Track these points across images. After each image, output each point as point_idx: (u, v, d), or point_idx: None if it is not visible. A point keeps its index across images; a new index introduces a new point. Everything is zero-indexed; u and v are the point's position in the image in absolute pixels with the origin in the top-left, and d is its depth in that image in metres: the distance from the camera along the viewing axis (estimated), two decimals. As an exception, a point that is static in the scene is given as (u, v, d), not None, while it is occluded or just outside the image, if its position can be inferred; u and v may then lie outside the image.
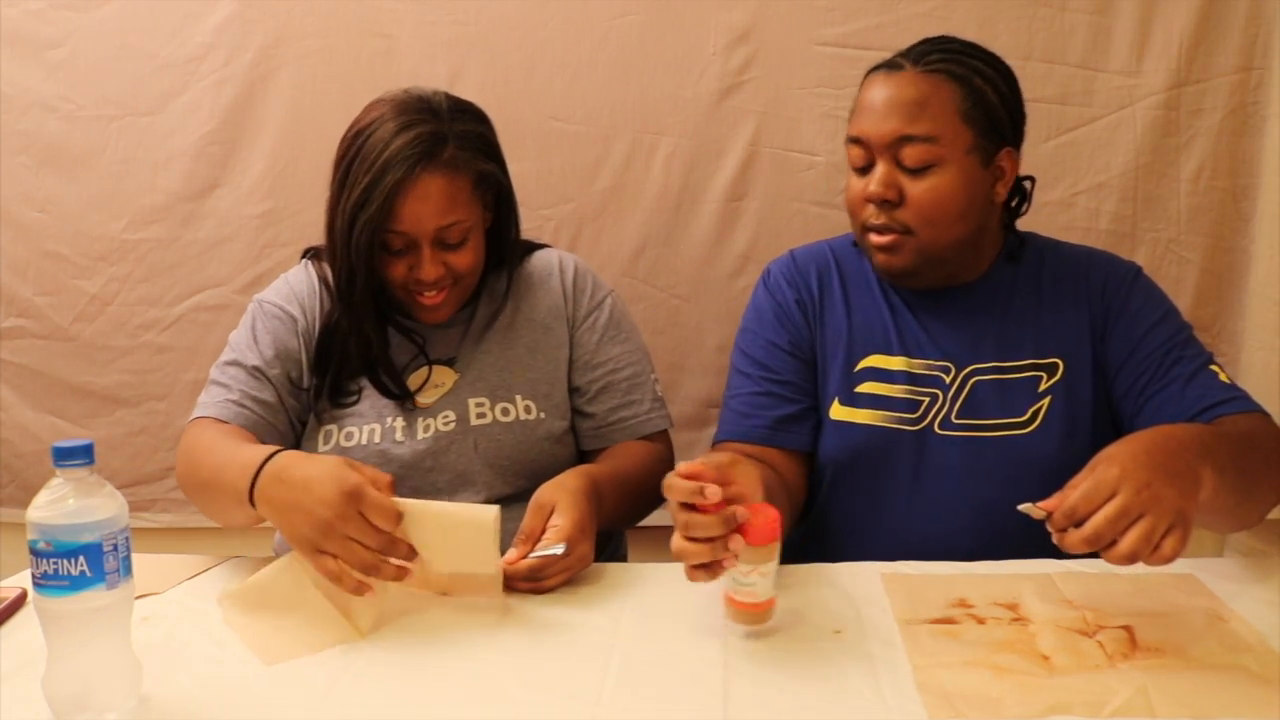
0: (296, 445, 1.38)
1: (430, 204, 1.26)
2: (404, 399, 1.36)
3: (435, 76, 1.86)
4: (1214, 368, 1.26)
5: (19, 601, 1.11)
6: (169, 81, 1.90)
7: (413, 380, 1.38)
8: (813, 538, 1.38)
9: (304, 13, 1.87)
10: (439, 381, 1.38)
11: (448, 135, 1.28)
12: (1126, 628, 1.00)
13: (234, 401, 1.31)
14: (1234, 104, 1.80)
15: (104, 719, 0.88)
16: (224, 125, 1.90)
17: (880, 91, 1.26)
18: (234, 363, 1.35)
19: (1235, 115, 1.81)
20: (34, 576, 0.85)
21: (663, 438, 1.46)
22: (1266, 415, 1.22)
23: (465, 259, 1.33)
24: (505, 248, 1.43)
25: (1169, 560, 0.92)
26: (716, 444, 1.40)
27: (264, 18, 1.87)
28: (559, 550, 1.11)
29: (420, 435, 1.35)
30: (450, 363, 1.40)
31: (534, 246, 1.51)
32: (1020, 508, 0.98)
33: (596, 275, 1.49)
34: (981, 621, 1.03)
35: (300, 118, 1.88)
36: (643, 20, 1.84)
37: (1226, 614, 1.03)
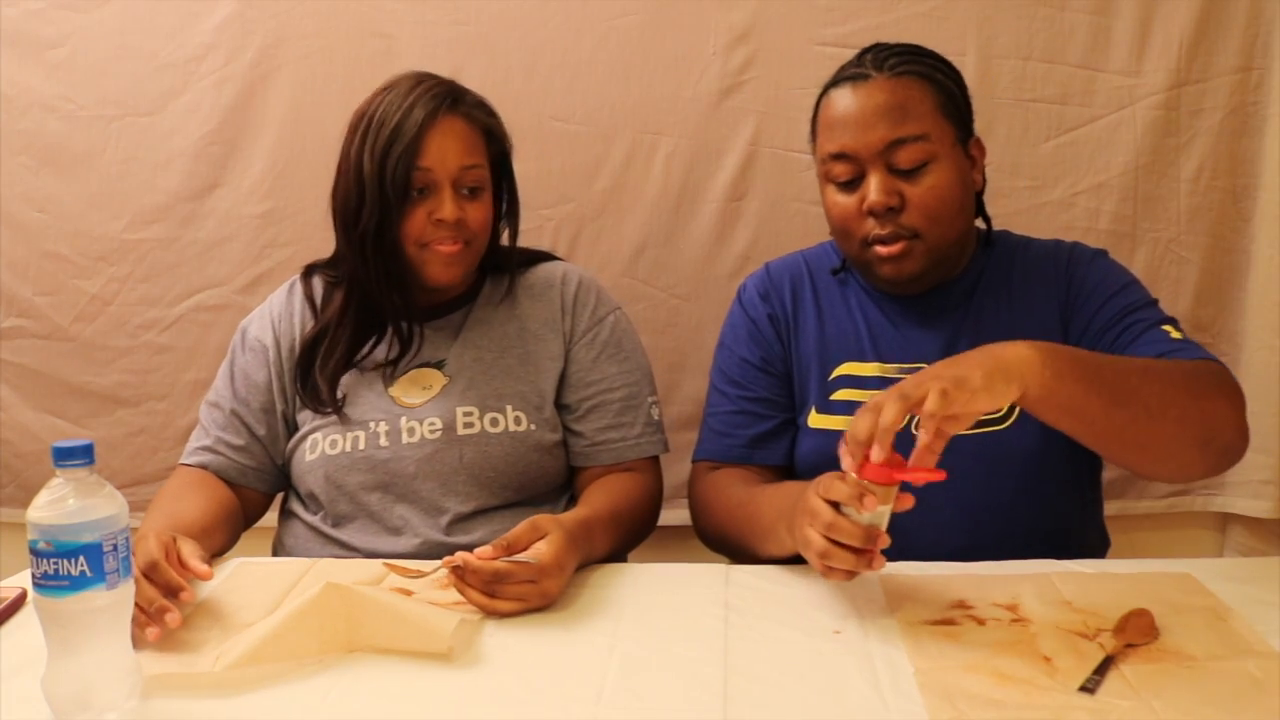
0: (276, 472, 1.43)
1: (454, 140, 1.33)
2: (405, 340, 1.39)
3: (435, 76, 1.86)
4: (1167, 327, 1.24)
5: (19, 601, 1.11)
6: (169, 81, 1.90)
7: (401, 381, 1.38)
8: None
9: (304, 13, 1.86)
10: (427, 384, 1.38)
11: (462, 92, 1.38)
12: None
13: (208, 448, 1.40)
14: (1234, 104, 1.80)
15: (104, 719, 0.88)
16: (224, 125, 1.90)
17: (856, 101, 1.26)
18: (214, 404, 1.43)
19: (1235, 115, 1.81)
20: (34, 576, 0.85)
21: (652, 465, 1.44)
22: (1214, 361, 1.19)
23: (479, 213, 1.36)
24: (506, 244, 1.44)
25: (930, 408, 0.96)
26: (696, 461, 1.41)
27: (264, 18, 1.87)
28: (531, 562, 1.07)
29: (405, 441, 1.34)
30: (440, 365, 1.40)
31: (544, 257, 1.51)
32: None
33: (603, 290, 1.48)
34: (981, 622, 1.03)
35: (300, 118, 1.88)
36: (643, 20, 1.84)
37: (1226, 614, 1.03)
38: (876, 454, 0.97)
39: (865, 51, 1.31)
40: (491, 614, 1.07)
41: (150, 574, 1.03)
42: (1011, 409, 1.27)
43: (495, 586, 1.06)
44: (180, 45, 1.89)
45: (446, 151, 1.32)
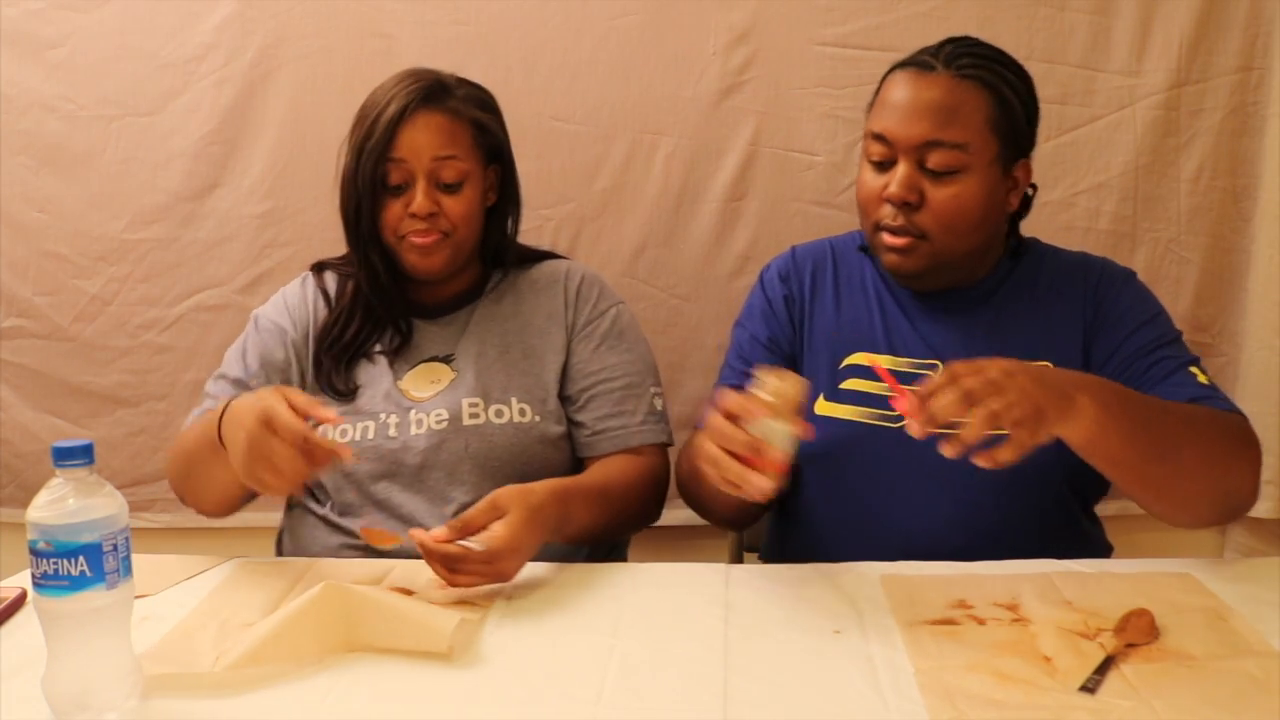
0: None
1: (429, 134, 1.34)
2: (404, 334, 1.40)
3: (435, 76, 1.86)
4: (1194, 370, 1.24)
5: (19, 601, 1.11)
6: (169, 81, 1.90)
7: (410, 375, 1.40)
8: (799, 534, 1.38)
9: (304, 13, 1.87)
10: (435, 378, 1.39)
11: (451, 88, 1.38)
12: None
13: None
14: (1234, 104, 1.80)
15: (104, 719, 0.88)
16: (224, 125, 1.90)
17: (911, 91, 1.25)
18: (222, 376, 1.41)
19: (1235, 115, 1.81)
20: (34, 576, 0.85)
21: (657, 451, 1.44)
22: (1239, 415, 1.20)
23: (459, 206, 1.36)
24: (505, 237, 1.45)
25: (1019, 449, 0.95)
26: (696, 430, 1.41)
27: (264, 18, 1.87)
28: (477, 549, 1.09)
29: (413, 432, 1.35)
30: (448, 360, 1.41)
31: (550, 255, 1.52)
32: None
33: (607, 286, 1.49)
34: (982, 622, 1.03)
35: (300, 118, 1.88)
36: (643, 20, 1.84)
37: (1226, 614, 1.03)
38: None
39: (948, 41, 1.29)
40: (455, 585, 1.11)
41: (273, 426, 1.04)
42: None
43: (452, 562, 1.10)
44: (180, 45, 1.89)
45: (419, 144, 1.33)
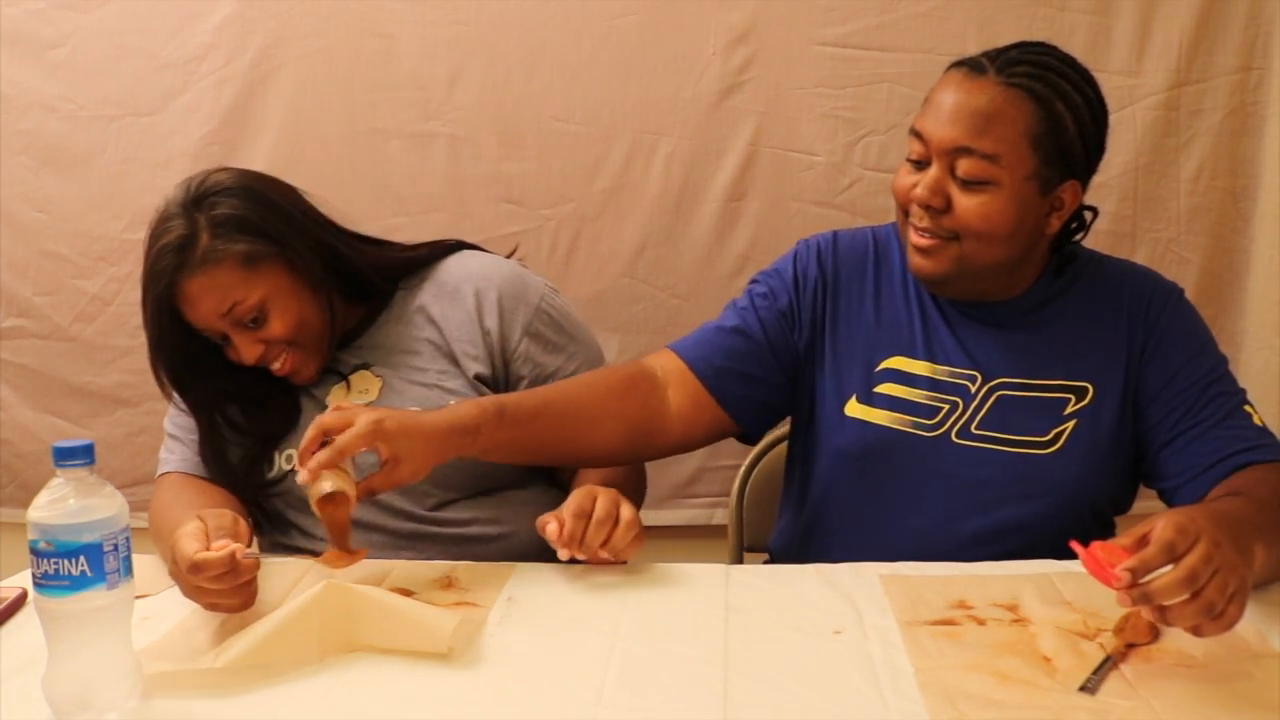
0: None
1: (201, 305, 1.28)
2: (267, 439, 1.36)
3: (435, 76, 1.86)
4: (1247, 408, 1.22)
5: (19, 601, 1.11)
6: (169, 81, 1.90)
7: (337, 390, 1.36)
8: (815, 534, 1.36)
9: (304, 13, 1.87)
10: (363, 387, 1.36)
11: (197, 232, 1.27)
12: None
13: (186, 455, 1.36)
14: (1234, 104, 1.81)
15: (104, 719, 0.88)
16: (224, 125, 1.90)
17: (954, 93, 1.19)
18: (184, 410, 1.38)
19: (1235, 115, 1.81)
20: (34, 576, 0.85)
21: None
22: None
23: (275, 329, 1.30)
24: (359, 274, 1.38)
25: (1231, 625, 0.90)
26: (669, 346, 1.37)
27: (264, 18, 1.87)
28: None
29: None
30: (368, 366, 1.38)
31: (452, 249, 1.45)
32: (1073, 544, 0.95)
33: (526, 280, 1.41)
34: (981, 623, 1.03)
35: (300, 118, 1.88)
36: (643, 20, 1.84)
37: (1226, 614, 1.03)
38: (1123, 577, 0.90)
39: (1014, 46, 1.23)
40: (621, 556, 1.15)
41: (198, 572, 1.01)
42: (1057, 436, 1.24)
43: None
44: (180, 45, 1.89)
45: (199, 314, 1.28)
